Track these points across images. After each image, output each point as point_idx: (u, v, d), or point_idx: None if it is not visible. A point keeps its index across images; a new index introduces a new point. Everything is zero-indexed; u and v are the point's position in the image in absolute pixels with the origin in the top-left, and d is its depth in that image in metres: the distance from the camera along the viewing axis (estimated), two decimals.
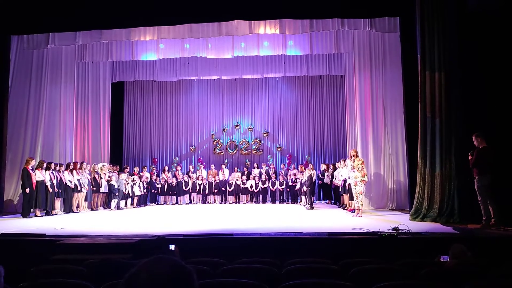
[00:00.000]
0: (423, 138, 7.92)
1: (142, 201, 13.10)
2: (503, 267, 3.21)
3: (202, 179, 13.81)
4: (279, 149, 15.44)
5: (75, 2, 9.17)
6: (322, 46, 11.82)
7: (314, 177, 11.52)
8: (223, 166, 14.57)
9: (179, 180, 13.79)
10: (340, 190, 10.95)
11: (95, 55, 12.41)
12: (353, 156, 8.89)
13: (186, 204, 13.66)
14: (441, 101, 7.80)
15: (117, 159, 14.60)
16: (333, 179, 11.78)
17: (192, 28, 10.23)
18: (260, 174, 13.94)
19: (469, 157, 6.91)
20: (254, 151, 15.41)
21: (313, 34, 11.22)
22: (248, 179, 13.79)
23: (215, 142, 15.61)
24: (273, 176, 13.82)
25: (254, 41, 11.62)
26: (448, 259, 3.70)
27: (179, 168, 14.62)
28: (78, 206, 10.83)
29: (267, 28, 10.13)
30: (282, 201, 13.59)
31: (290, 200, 13.35)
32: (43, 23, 9.62)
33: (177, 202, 13.77)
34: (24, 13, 9.44)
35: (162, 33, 10.45)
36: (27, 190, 9.27)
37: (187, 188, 13.72)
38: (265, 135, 15.52)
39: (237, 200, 13.75)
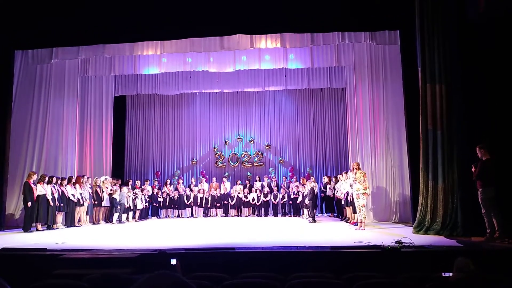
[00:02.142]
0: (425, 150, 7.90)
1: (143, 215, 13.07)
2: (507, 280, 3.17)
3: (203, 192, 13.77)
4: (281, 161, 15.43)
5: (79, 17, 9.30)
6: (323, 59, 11.91)
7: (316, 190, 11.47)
8: (225, 179, 14.54)
9: (181, 193, 13.77)
10: (342, 203, 10.89)
11: (98, 69, 12.54)
12: (355, 168, 8.87)
13: (187, 217, 13.60)
14: (443, 113, 7.79)
15: (119, 173, 14.61)
16: (336, 192, 11.73)
17: (194, 42, 10.34)
18: (262, 187, 13.90)
19: (473, 169, 6.87)
20: (256, 164, 15.40)
21: (314, 47, 11.31)
22: (250, 192, 13.74)
23: (217, 155, 15.62)
24: (275, 189, 13.77)
25: (256, 55, 11.72)
26: (452, 273, 3.65)
27: (180, 181, 14.60)
28: (79, 220, 10.79)
29: (268, 42, 10.23)
30: (284, 214, 13.51)
31: (292, 213, 13.28)
32: (47, 38, 9.75)
33: (178, 216, 13.71)
34: (28, 28, 9.58)
35: (165, 47, 10.55)
36: (29, 204, 9.27)
37: (189, 202, 13.68)
38: (267, 147, 15.52)
39: (239, 213, 13.69)
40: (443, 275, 3.60)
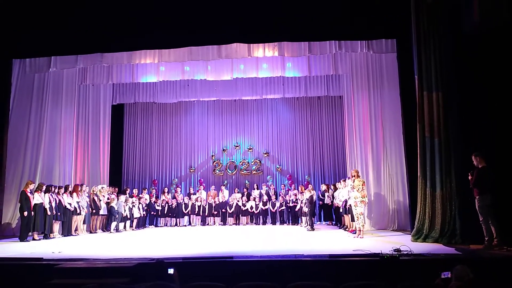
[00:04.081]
0: (422, 158, 7.92)
1: (141, 223, 13.00)
2: None
3: (201, 201, 13.72)
4: (279, 169, 15.42)
5: (77, 26, 9.35)
6: (320, 67, 11.97)
7: (315, 198, 11.45)
8: (223, 187, 14.51)
9: (178, 201, 13.72)
10: (341, 211, 10.87)
11: (95, 77, 12.54)
12: (353, 176, 8.86)
13: (185, 226, 13.54)
14: (440, 121, 7.83)
15: (117, 181, 14.56)
16: (334, 200, 11.71)
17: (192, 51, 10.38)
18: (260, 195, 13.87)
19: (469, 177, 6.89)
20: (254, 172, 15.38)
21: (311, 56, 11.35)
22: (248, 200, 13.70)
23: (214, 163, 15.60)
24: (273, 197, 13.74)
25: (253, 63, 11.76)
26: (451, 278, 3.64)
27: (178, 189, 14.56)
28: (76, 229, 10.72)
29: (266, 50, 10.27)
30: (282, 222, 13.47)
31: (290, 221, 13.23)
32: (45, 47, 9.79)
33: (176, 224, 13.65)
34: (26, 37, 9.61)
35: (163, 56, 10.60)
36: (25, 213, 9.21)
37: (187, 210, 13.63)
38: (265, 155, 15.52)
39: (237, 221, 13.63)
40: (442, 276, 3.60)
